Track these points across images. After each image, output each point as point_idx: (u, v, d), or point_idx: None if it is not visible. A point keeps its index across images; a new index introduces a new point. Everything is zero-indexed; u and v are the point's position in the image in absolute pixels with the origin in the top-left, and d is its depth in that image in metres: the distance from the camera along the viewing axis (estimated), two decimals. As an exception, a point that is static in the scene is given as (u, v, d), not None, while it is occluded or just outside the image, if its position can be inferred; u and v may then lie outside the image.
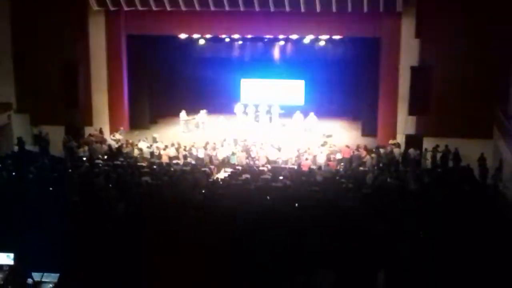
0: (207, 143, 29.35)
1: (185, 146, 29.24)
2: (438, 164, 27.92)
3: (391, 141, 29.89)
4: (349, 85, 35.77)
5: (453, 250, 13.79)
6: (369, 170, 26.46)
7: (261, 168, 26.61)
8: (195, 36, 34.13)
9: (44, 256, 12.59)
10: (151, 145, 29.63)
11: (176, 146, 29.25)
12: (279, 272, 12.73)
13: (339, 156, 28.41)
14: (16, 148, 30.02)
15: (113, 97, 33.05)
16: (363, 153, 28.41)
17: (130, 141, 30.24)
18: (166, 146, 29.18)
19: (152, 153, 29.03)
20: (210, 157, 28.26)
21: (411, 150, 28.51)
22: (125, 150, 29.18)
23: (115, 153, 28.97)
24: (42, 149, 30.14)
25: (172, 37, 33.87)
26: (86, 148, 29.37)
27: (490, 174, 26.43)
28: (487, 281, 12.52)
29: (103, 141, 30.52)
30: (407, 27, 29.83)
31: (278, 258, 13.12)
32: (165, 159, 28.10)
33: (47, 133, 30.95)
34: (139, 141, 30.13)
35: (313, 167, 26.74)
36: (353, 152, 28.59)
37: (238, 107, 35.01)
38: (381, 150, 28.80)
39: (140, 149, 29.17)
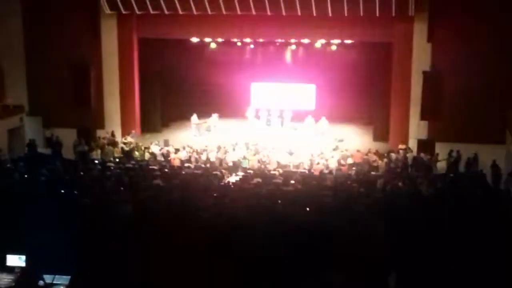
0: (219, 147, 29.36)
1: (196, 150, 29.25)
2: (451, 169, 27.77)
3: (400, 146, 29.82)
4: (360, 90, 35.74)
5: (465, 254, 13.71)
6: (380, 174, 26.37)
7: (272, 172, 26.55)
8: (207, 39, 34.20)
9: (55, 258, 12.60)
10: (162, 148, 29.64)
11: (188, 149, 29.25)
12: (290, 275, 12.71)
13: (350, 160, 28.34)
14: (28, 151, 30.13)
15: (125, 100, 33.11)
16: (375, 157, 28.33)
17: (142, 144, 30.29)
18: (178, 150, 29.20)
19: (163, 156, 29.02)
20: (221, 161, 28.25)
21: (422, 155, 28.40)
22: (137, 153, 29.21)
23: (126, 156, 29.03)
24: (55, 151, 30.21)
25: (184, 40, 33.97)
26: (98, 151, 29.44)
27: (503, 179, 26.25)
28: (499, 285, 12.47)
29: (115, 144, 30.58)
30: (419, 32, 29.74)
31: (289, 261, 13.09)
32: (176, 163, 28.13)
33: (57, 136, 30.96)
34: (150, 143, 30.18)
35: (325, 171, 26.68)
36: (362, 157, 28.49)
37: (249, 111, 35.00)
38: (393, 155, 28.70)
39: (152, 152, 29.20)
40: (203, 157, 28.47)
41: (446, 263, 13.23)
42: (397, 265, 12.97)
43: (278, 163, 28.05)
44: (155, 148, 29.51)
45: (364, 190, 22.40)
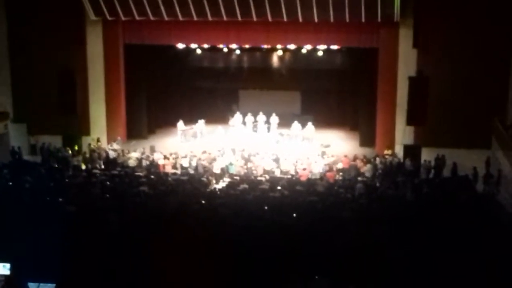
0: (203, 153, 29.27)
1: (182, 156, 29.12)
2: (436, 174, 27.84)
3: (385, 151, 29.89)
4: (347, 95, 35.89)
5: (451, 258, 13.77)
6: (367, 180, 26.39)
7: (259, 178, 26.53)
8: (193, 45, 34.08)
9: (40, 266, 12.52)
10: (148, 155, 29.48)
11: (174, 156, 29.13)
12: (276, 280, 12.72)
13: (337, 166, 28.34)
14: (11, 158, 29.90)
15: (110, 107, 32.96)
16: (361, 163, 28.35)
17: (127, 150, 30.14)
18: (164, 156, 29.06)
19: (149, 163, 28.88)
20: (207, 167, 28.13)
21: (408, 160, 28.45)
22: (122, 159, 29.06)
23: (112, 162, 28.88)
24: (44, 159, 29.92)
25: (170, 46, 33.90)
26: (80, 157, 29.30)
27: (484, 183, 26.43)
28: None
29: (100, 150, 30.40)
30: (405, 37, 29.87)
31: (275, 266, 13.10)
32: (162, 169, 28.01)
33: (49, 143, 30.71)
34: (135, 150, 30.00)
35: (311, 177, 26.68)
36: (350, 162, 28.50)
37: (235, 117, 34.95)
38: (379, 160, 28.73)
39: (137, 159, 29.03)
40: (190, 163, 28.32)
41: (432, 267, 13.30)
42: (382, 271, 13.02)
43: (265, 169, 28.00)
44: (139, 155, 29.30)
45: (351, 195, 22.44)
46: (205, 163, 28.25)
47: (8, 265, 12.84)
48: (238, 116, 34.97)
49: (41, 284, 12.47)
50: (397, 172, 27.78)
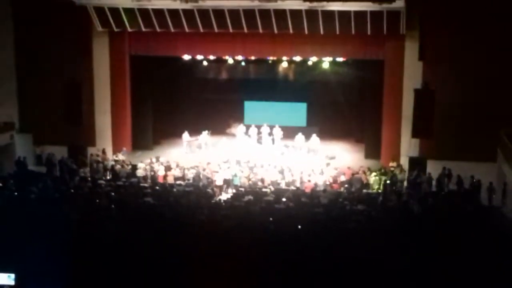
0: (208, 164, 29.28)
1: (187, 167, 29.12)
2: (442, 187, 27.78)
3: (391, 164, 29.84)
4: (352, 107, 35.85)
5: (455, 270, 13.74)
6: (372, 192, 26.36)
7: (263, 189, 26.51)
8: (199, 57, 34.14)
9: (45, 277, 12.51)
10: (153, 166, 29.49)
11: (179, 167, 29.13)
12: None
13: (342, 178, 28.30)
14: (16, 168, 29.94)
15: (116, 118, 33.04)
16: (365, 175, 28.31)
17: (133, 161, 30.17)
18: (170, 167, 29.06)
19: (154, 174, 28.89)
20: (212, 179, 28.09)
21: (414, 173, 28.40)
22: (127, 170, 29.08)
23: (117, 173, 28.90)
24: (49, 169, 29.95)
25: (176, 58, 33.93)
26: (86, 168, 29.35)
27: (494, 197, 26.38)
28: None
29: (105, 161, 30.43)
30: (410, 50, 29.80)
31: (279, 278, 13.09)
32: (169, 180, 28.01)
33: (52, 153, 30.79)
34: (141, 162, 30.01)
35: (316, 189, 26.64)
36: (354, 174, 28.43)
37: (240, 129, 34.95)
38: (384, 172, 28.69)
39: (143, 170, 29.04)
40: (196, 175, 28.31)
41: (436, 277, 13.29)
42: (387, 282, 13.00)
43: (270, 180, 27.96)
44: (145, 166, 29.32)
45: (356, 207, 22.39)
46: (208, 174, 28.21)
47: (13, 276, 12.84)
48: (242, 127, 34.97)
49: (46, 294, 12.49)
50: (402, 184, 27.80)
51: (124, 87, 32.95)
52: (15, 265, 13.04)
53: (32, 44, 31.83)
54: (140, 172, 28.77)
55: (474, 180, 26.78)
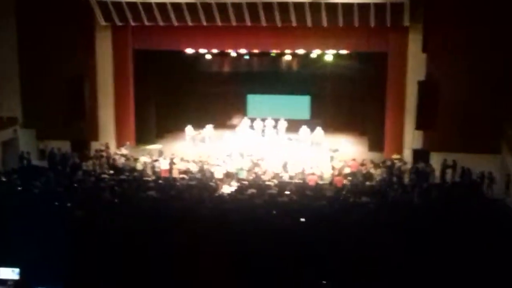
0: (208, 157, 29.30)
1: (189, 161, 29.14)
2: (445, 179, 27.76)
3: (394, 156, 29.81)
4: (355, 100, 35.78)
5: (459, 264, 13.71)
6: (375, 185, 26.34)
7: (267, 182, 26.50)
8: (202, 51, 34.09)
9: (48, 271, 12.53)
10: (156, 160, 29.51)
11: (183, 160, 29.14)
12: (283, 285, 12.71)
13: (346, 170, 28.27)
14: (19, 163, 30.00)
15: (119, 112, 33.05)
16: (369, 167, 28.28)
17: (136, 155, 30.19)
18: (172, 161, 29.06)
19: (156, 168, 28.90)
20: (215, 172, 28.08)
21: (418, 165, 28.36)
22: (131, 164, 29.10)
23: (121, 167, 28.92)
24: (51, 164, 29.99)
25: (179, 52, 33.88)
26: (90, 162, 29.38)
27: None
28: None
29: (109, 156, 30.46)
30: (414, 42, 29.75)
31: (282, 271, 13.09)
32: (173, 174, 28.03)
33: (58, 148, 30.83)
34: (144, 155, 30.03)
35: (320, 181, 26.63)
36: (358, 166, 28.42)
37: (244, 122, 34.93)
38: (388, 165, 28.66)
39: (145, 164, 29.07)
40: (200, 168, 28.32)
41: (440, 271, 13.27)
42: (390, 276, 12.99)
43: (273, 173, 27.96)
44: (148, 160, 29.34)
45: (359, 200, 22.39)
46: (211, 168, 28.20)
47: (17, 270, 12.88)
48: (246, 120, 34.95)
49: (49, 288, 12.51)
50: (406, 176, 27.78)
51: (127, 81, 32.92)
52: (19, 260, 13.08)
53: (35, 39, 31.73)
54: (139, 166, 28.79)
55: (484, 173, 26.62)
